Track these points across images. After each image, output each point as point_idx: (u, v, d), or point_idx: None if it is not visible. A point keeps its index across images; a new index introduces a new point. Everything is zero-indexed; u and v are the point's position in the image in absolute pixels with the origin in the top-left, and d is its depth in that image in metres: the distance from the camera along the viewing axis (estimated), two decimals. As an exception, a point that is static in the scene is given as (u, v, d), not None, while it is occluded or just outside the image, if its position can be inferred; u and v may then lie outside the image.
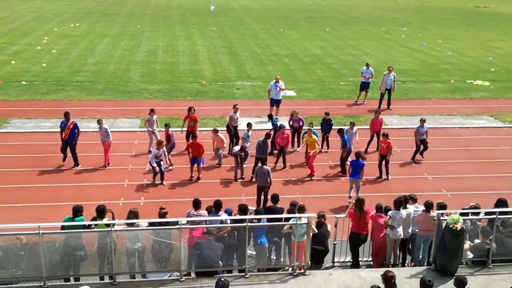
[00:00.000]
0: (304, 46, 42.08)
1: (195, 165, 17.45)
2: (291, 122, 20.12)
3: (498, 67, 36.25)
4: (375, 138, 20.10)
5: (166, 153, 17.53)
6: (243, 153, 17.76)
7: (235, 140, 19.51)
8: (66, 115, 18.03)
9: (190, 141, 17.58)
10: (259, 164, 16.09)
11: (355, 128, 19.28)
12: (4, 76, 29.54)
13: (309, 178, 17.88)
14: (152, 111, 19.49)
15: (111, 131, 18.46)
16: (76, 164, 18.19)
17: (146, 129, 19.80)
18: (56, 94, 26.68)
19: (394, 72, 25.56)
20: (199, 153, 17.30)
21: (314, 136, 18.00)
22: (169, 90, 28.10)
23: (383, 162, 18.04)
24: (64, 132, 17.91)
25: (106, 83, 29.07)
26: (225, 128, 20.03)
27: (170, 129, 18.96)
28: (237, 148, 18.01)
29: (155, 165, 16.94)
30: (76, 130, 18.04)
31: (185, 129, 19.68)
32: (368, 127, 20.55)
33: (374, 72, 26.36)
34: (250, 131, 18.46)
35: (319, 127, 20.22)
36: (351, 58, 37.96)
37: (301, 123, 20.06)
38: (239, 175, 17.74)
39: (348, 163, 17.17)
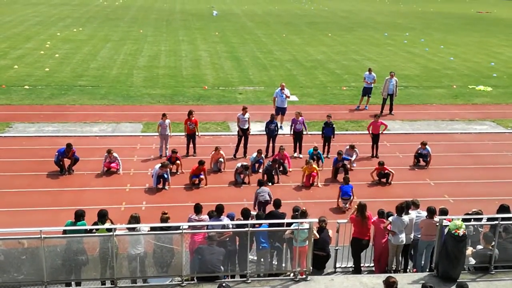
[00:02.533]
0: (306, 51, 42.14)
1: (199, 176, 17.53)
2: (293, 125, 20.07)
3: (500, 73, 36.24)
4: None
5: (169, 175, 17.44)
6: (246, 171, 17.74)
7: (243, 144, 19.67)
8: (69, 146, 17.88)
9: (196, 165, 17.33)
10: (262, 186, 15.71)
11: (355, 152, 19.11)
12: (7, 80, 29.62)
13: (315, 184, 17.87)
14: (164, 115, 19.49)
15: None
16: (66, 171, 17.99)
17: (157, 134, 19.83)
18: (59, 98, 26.74)
19: (396, 77, 25.57)
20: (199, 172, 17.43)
21: (314, 166, 17.83)
22: (172, 94, 28.15)
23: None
24: (66, 159, 17.91)
25: (108, 87, 29.14)
26: (236, 133, 20.18)
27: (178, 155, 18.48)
28: (239, 165, 17.94)
29: (155, 185, 17.03)
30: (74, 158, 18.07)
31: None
32: (367, 132, 20.51)
33: (376, 77, 26.36)
34: (260, 157, 18.60)
35: (320, 132, 20.14)
36: (353, 63, 37.99)
37: (301, 126, 19.95)
38: (246, 180, 17.82)
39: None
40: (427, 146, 19.36)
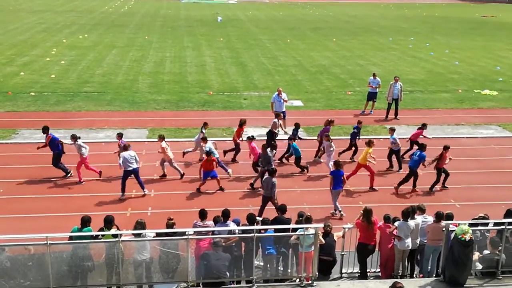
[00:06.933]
0: (311, 56, 42.17)
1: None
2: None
3: (506, 77, 36.12)
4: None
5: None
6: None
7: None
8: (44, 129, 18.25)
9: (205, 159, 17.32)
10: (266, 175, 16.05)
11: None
12: (13, 87, 29.79)
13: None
14: (205, 124, 19.42)
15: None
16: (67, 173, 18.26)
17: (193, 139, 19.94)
18: (65, 105, 26.86)
19: (400, 82, 25.54)
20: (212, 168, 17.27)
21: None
22: (177, 100, 28.22)
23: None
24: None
25: (114, 93, 29.24)
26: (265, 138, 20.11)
27: (253, 142, 18.41)
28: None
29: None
30: (56, 142, 18.18)
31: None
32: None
33: (381, 82, 26.36)
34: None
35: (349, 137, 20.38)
36: (358, 68, 37.98)
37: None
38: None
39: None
40: (395, 134, 19.31)
